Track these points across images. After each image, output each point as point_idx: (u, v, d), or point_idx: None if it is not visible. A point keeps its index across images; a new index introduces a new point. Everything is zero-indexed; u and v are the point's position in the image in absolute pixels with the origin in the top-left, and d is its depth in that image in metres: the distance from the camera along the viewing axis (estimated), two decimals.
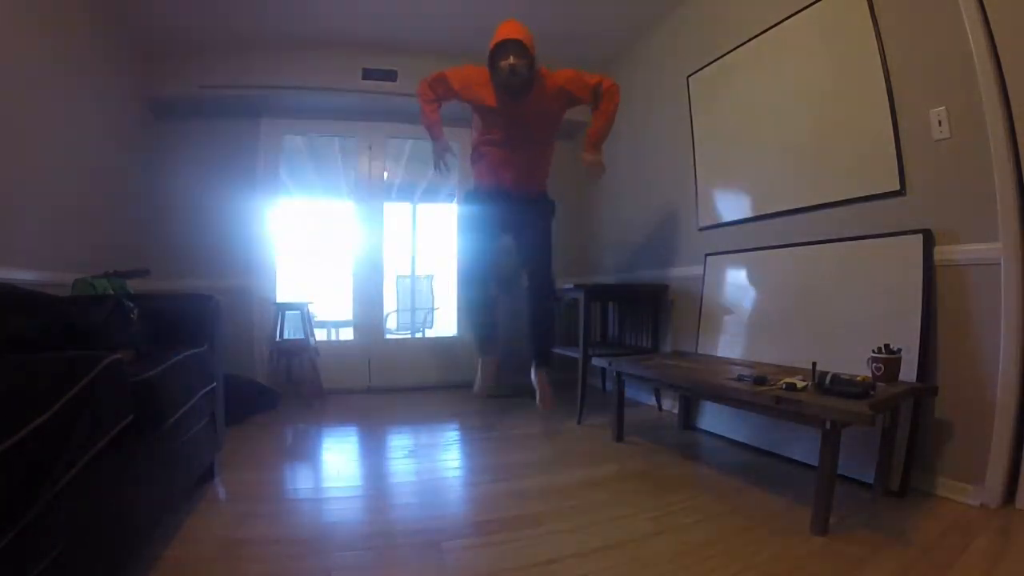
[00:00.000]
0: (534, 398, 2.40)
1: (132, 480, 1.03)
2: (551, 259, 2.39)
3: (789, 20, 2.13)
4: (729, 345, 2.29)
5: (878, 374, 1.49)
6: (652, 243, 3.08)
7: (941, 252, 1.59)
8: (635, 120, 3.23)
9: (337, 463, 2.09)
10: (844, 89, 1.89)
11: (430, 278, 5.23)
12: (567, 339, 3.27)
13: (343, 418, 2.78)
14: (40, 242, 2.07)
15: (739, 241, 2.37)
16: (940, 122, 1.59)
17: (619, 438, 2.22)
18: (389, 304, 3.89)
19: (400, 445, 2.30)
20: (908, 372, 1.54)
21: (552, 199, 2.46)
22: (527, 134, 2.24)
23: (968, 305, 1.53)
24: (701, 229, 2.63)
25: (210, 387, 1.63)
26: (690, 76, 2.69)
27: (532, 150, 2.29)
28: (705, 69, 2.60)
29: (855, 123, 1.86)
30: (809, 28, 2.04)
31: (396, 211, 5.34)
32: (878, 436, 1.57)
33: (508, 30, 2.08)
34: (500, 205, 2.31)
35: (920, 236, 1.62)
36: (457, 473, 1.94)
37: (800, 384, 1.47)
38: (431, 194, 5.36)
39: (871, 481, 1.60)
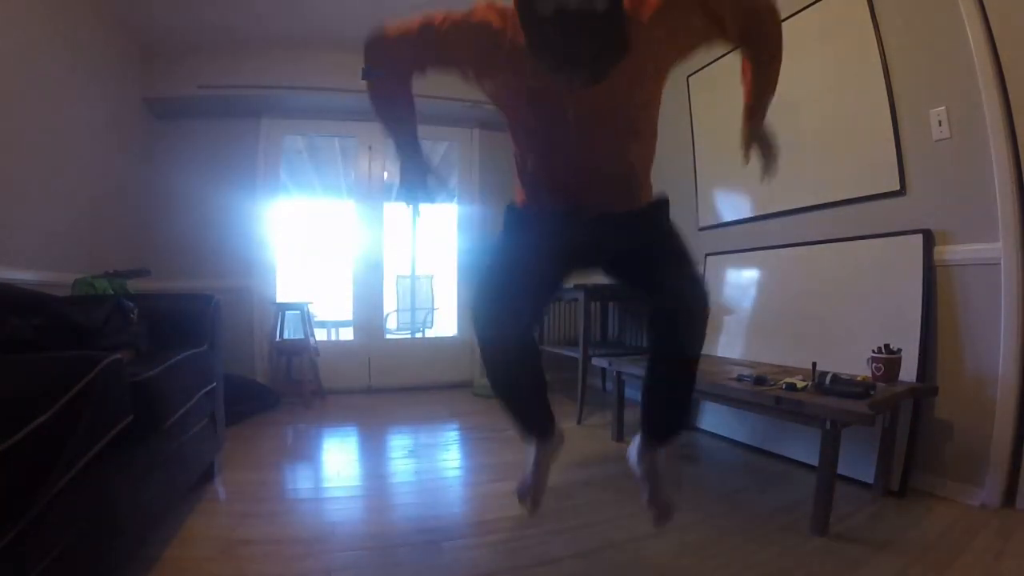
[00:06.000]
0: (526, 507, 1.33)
1: (132, 480, 1.03)
2: (695, 274, 1.17)
3: (789, 20, 2.12)
4: (729, 345, 2.29)
5: (878, 374, 1.49)
6: None
7: (941, 252, 1.59)
8: None
9: (337, 463, 2.09)
10: (844, 89, 1.89)
11: (430, 278, 5.22)
12: (567, 339, 3.27)
13: (343, 418, 2.78)
14: (40, 242, 2.07)
15: (739, 241, 2.37)
16: (940, 122, 1.59)
17: (619, 438, 2.22)
18: (389, 304, 3.89)
19: (400, 445, 2.30)
20: (908, 372, 1.54)
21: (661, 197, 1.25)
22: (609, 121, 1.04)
23: (968, 305, 1.53)
24: (701, 229, 2.63)
25: (210, 387, 1.63)
26: (690, 76, 2.69)
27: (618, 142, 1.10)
28: (705, 69, 2.60)
29: (855, 123, 1.86)
30: (809, 28, 2.04)
31: (396, 211, 5.34)
32: (878, 436, 1.57)
33: None
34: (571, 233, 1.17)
35: (920, 236, 1.62)
36: (457, 473, 1.94)
37: (800, 384, 1.47)
38: (432, 196, 5.35)
39: (871, 481, 1.60)
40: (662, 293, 1.12)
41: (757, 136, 1.32)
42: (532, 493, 1.26)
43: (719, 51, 2.53)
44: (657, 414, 1.22)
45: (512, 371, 1.18)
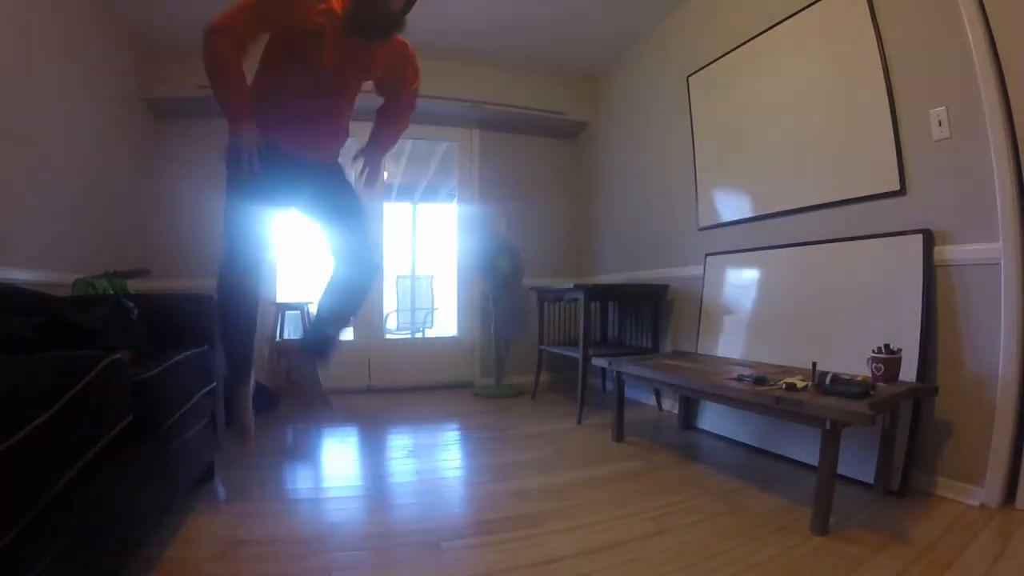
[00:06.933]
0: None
1: (132, 480, 1.03)
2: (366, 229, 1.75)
3: (789, 20, 2.13)
4: (729, 345, 2.29)
5: (878, 374, 1.49)
6: (652, 243, 3.08)
7: (941, 252, 1.59)
8: (635, 120, 3.23)
9: (337, 463, 2.09)
10: (844, 89, 1.89)
11: (430, 278, 5.23)
12: (567, 339, 3.27)
13: (343, 418, 2.78)
14: (40, 242, 2.07)
15: (739, 241, 2.37)
16: (940, 122, 1.59)
17: (619, 438, 2.22)
18: (389, 304, 3.89)
19: (400, 445, 2.30)
20: (908, 372, 1.54)
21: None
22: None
23: (968, 305, 1.53)
24: (701, 229, 2.63)
25: (210, 387, 1.63)
26: (690, 76, 2.69)
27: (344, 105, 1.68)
28: (705, 69, 2.60)
29: (855, 123, 1.86)
30: (809, 28, 2.04)
31: (396, 211, 5.36)
32: (878, 436, 1.57)
33: None
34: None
35: (920, 236, 1.62)
36: (457, 473, 1.94)
37: (800, 384, 1.47)
38: (431, 194, 5.37)
39: (871, 481, 1.61)
40: (342, 252, 1.67)
41: (374, 163, 1.82)
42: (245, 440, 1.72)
43: (717, 52, 2.58)
44: (316, 330, 1.72)
45: (247, 311, 1.65)
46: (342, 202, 1.69)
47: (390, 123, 1.82)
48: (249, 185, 1.53)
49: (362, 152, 1.81)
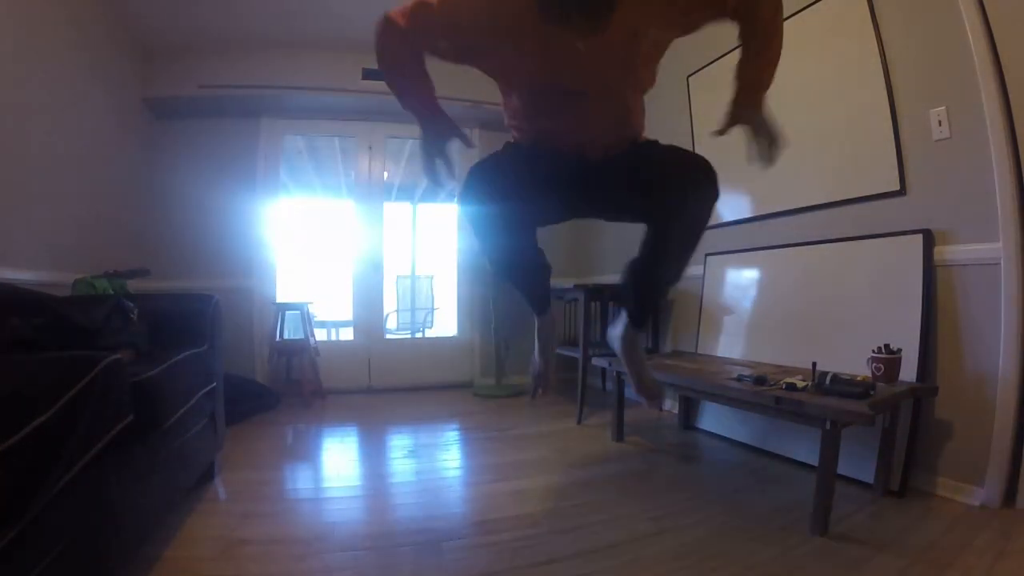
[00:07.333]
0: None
1: (132, 480, 1.03)
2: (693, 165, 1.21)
3: (789, 20, 2.12)
4: (729, 345, 2.29)
5: (878, 374, 1.49)
6: None
7: (941, 252, 1.59)
8: None
9: (337, 463, 2.09)
10: (844, 89, 1.89)
11: (430, 278, 5.23)
12: (567, 339, 3.27)
13: (343, 418, 2.78)
14: (40, 242, 2.07)
15: (739, 241, 2.37)
16: (940, 122, 1.59)
17: (619, 438, 2.22)
18: (389, 304, 3.89)
19: (400, 445, 2.30)
20: (908, 372, 1.54)
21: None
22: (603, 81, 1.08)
23: (968, 305, 1.53)
24: None
25: (210, 387, 1.63)
26: (690, 76, 2.69)
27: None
28: (705, 69, 2.60)
29: (855, 123, 1.86)
30: (809, 28, 2.04)
31: (396, 211, 5.36)
32: (878, 436, 1.57)
33: None
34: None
35: (920, 236, 1.62)
36: (457, 473, 1.94)
37: (800, 384, 1.47)
38: (431, 194, 5.36)
39: (871, 481, 1.60)
40: (664, 209, 1.25)
41: (750, 121, 1.25)
42: (543, 371, 1.50)
43: (717, 52, 2.56)
44: (642, 297, 1.39)
45: (524, 267, 1.34)
46: (648, 173, 1.19)
47: (744, 57, 1.15)
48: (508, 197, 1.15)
49: (730, 117, 1.21)
